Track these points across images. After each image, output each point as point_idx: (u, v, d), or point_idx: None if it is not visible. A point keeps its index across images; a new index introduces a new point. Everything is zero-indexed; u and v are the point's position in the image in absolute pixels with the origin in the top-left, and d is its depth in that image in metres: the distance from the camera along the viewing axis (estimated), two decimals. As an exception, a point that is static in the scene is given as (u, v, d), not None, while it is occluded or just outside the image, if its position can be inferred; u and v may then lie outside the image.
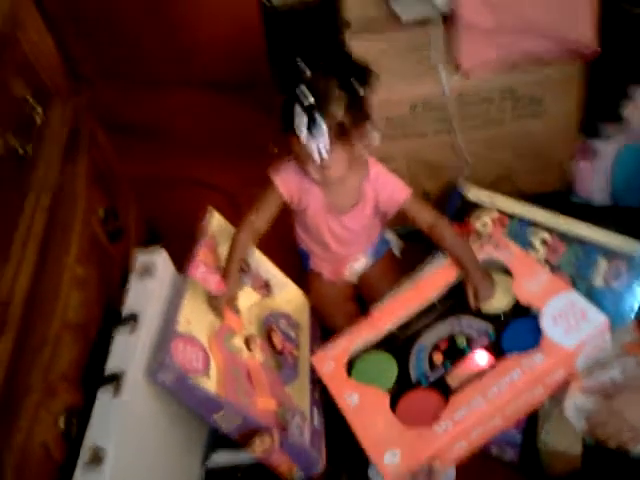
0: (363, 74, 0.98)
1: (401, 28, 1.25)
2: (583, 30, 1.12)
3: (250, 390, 0.96)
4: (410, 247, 1.26)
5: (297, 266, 1.26)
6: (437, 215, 1.07)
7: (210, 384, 0.88)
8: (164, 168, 1.50)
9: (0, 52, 0.76)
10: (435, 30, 1.19)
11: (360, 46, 1.23)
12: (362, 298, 1.24)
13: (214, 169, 1.50)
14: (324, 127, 0.92)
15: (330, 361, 1.02)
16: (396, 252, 1.24)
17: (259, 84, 1.42)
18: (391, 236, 1.26)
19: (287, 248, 1.26)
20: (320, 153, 0.95)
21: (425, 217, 1.07)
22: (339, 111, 0.95)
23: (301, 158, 1.00)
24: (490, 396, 0.87)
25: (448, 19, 1.19)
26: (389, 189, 1.08)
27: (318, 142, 0.93)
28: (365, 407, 0.93)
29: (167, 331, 0.90)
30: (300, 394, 1.04)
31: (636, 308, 1.05)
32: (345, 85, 0.95)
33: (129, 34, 1.57)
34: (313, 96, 0.92)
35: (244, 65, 1.61)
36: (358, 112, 0.98)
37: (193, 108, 1.61)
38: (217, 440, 1.01)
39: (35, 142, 0.82)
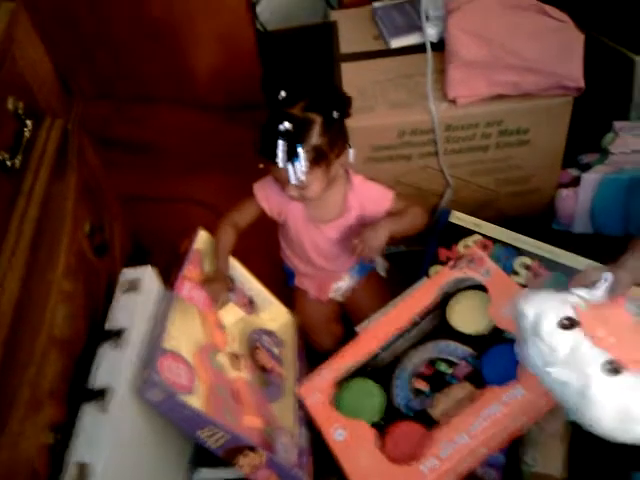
0: (338, 99, 1.01)
1: (393, 56, 1.28)
2: (573, 67, 1.15)
3: (235, 408, 0.96)
4: (396, 268, 1.28)
5: (283, 283, 1.27)
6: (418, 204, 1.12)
7: (196, 401, 0.88)
8: (153, 184, 1.50)
9: (-4, 67, 0.76)
10: (425, 59, 1.22)
11: (351, 73, 1.25)
12: (347, 317, 1.25)
13: (203, 186, 1.50)
14: (301, 153, 0.94)
15: (317, 392, 1.02)
16: (381, 272, 1.25)
17: (252, 105, 1.44)
18: (378, 258, 1.27)
19: (273, 264, 1.27)
20: (297, 177, 0.96)
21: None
22: (315, 136, 0.96)
23: (279, 180, 1.02)
24: (474, 431, 0.87)
25: (441, 46, 1.22)
26: (374, 196, 1.11)
27: (295, 167, 0.95)
28: (351, 443, 0.94)
29: (153, 348, 0.90)
30: (285, 412, 1.05)
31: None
32: (321, 110, 0.97)
33: (125, 53, 1.57)
34: (290, 122, 0.94)
35: (238, 87, 1.63)
36: (334, 134, 0.99)
37: (184, 126, 1.62)
38: (202, 456, 1.00)
39: (23, 155, 0.82)
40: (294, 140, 0.94)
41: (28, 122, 0.84)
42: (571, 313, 0.79)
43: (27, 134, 0.83)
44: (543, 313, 0.79)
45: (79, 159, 0.99)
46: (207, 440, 0.89)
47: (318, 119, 0.96)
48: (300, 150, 0.94)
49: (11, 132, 0.81)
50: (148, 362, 0.87)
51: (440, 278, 1.07)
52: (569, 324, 0.79)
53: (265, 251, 1.26)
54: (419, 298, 1.07)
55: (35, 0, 0.90)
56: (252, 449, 0.89)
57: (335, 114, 0.98)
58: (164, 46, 1.58)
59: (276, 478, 0.94)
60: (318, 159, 0.98)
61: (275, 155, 0.94)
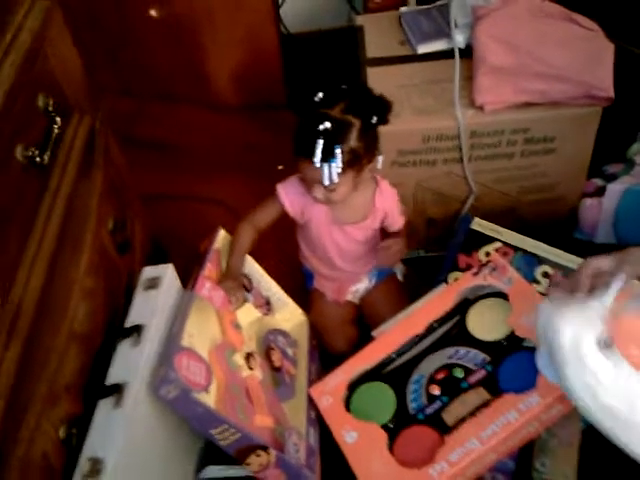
0: (378, 103, 1.00)
1: (419, 61, 1.27)
2: (602, 76, 1.14)
3: (248, 407, 0.96)
4: (415, 273, 1.27)
5: (300, 284, 1.27)
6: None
7: (210, 399, 0.88)
8: (173, 183, 1.51)
9: (29, 66, 0.77)
10: (453, 64, 1.21)
11: (377, 78, 1.25)
12: (363, 320, 1.25)
13: (223, 186, 1.51)
14: (338, 154, 0.94)
15: (328, 395, 1.02)
16: (399, 276, 1.24)
17: (274, 106, 1.44)
18: (398, 264, 1.27)
19: (290, 266, 1.27)
20: (331, 179, 0.96)
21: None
22: (353, 139, 0.97)
23: (307, 180, 1.02)
24: (485, 437, 0.87)
25: (468, 53, 1.22)
26: (396, 206, 1.14)
27: (330, 168, 0.95)
28: (363, 445, 0.93)
29: (171, 345, 0.90)
30: (296, 412, 1.05)
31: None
32: (360, 114, 0.97)
33: (147, 52, 1.59)
34: (330, 122, 0.94)
35: (260, 88, 1.64)
36: (370, 139, 1.00)
37: (205, 126, 1.63)
38: (211, 453, 1.00)
39: (52, 152, 0.83)
40: (333, 140, 0.94)
41: (57, 119, 0.84)
42: (605, 330, 0.78)
43: (56, 131, 0.84)
44: (581, 333, 0.77)
45: (105, 157, 0.99)
46: (219, 438, 0.89)
47: (357, 122, 0.97)
48: (338, 151, 0.94)
49: (41, 129, 0.81)
50: (165, 359, 0.88)
51: (460, 284, 1.07)
52: (607, 344, 0.77)
53: (282, 253, 1.26)
54: (439, 303, 1.06)
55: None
56: (264, 449, 0.90)
57: (374, 119, 0.98)
58: (186, 45, 1.59)
59: (285, 478, 0.94)
60: (352, 162, 0.98)
61: (313, 154, 0.94)
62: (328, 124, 0.94)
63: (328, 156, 0.94)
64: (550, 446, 0.94)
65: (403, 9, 1.42)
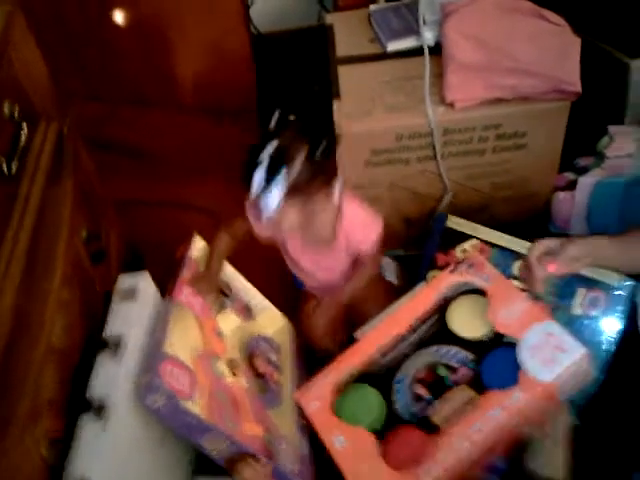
0: (325, 133, 0.99)
1: (389, 59, 1.27)
2: (569, 71, 1.15)
3: (236, 415, 0.95)
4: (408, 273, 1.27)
5: (291, 283, 1.27)
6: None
7: (197, 408, 0.87)
8: (148, 189, 1.49)
9: (-7, 71, 0.75)
10: (423, 62, 1.21)
11: (348, 76, 1.25)
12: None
13: (199, 191, 1.49)
14: (278, 184, 0.91)
15: (315, 400, 1.01)
16: (390, 277, 1.24)
17: (246, 109, 1.43)
18: (386, 260, 1.26)
19: (280, 266, 1.25)
20: (269, 210, 0.93)
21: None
22: (296, 168, 0.92)
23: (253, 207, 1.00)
24: (472, 435, 0.87)
25: (438, 50, 1.22)
26: (358, 235, 1.10)
27: (268, 198, 0.92)
28: (352, 450, 0.93)
29: (154, 353, 0.89)
30: (285, 419, 1.04)
31: (614, 336, 1.07)
32: (307, 143, 0.94)
33: (118, 55, 1.56)
34: (273, 150, 0.91)
35: (232, 91, 1.62)
36: (317, 168, 0.96)
37: (178, 130, 1.61)
38: (200, 465, 0.99)
39: (19, 161, 0.80)
40: (272, 171, 0.91)
41: (24, 126, 0.82)
42: None
43: (23, 138, 0.81)
44: None
45: (75, 163, 0.97)
46: (208, 447, 0.88)
47: (303, 153, 0.93)
48: (277, 181, 0.90)
49: (7, 137, 0.79)
50: (149, 367, 0.86)
51: (439, 283, 1.07)
52: None
53: (271, 251, 1.24)
54: (419, 303, 1.06)
55: (26, 0, 0.87)
56: (254, 457, 0.88)
57: (319, 151, 0.94)
58: (156, 48, 1.57)
59: None
60: (295, 192, 0.94)
61: (251, 183, 0.91)
62: (269, 152, 0.90)
63: (267, 187, 0.91)
64: (542, 446, 0.95)
65: (372, 7, 1.42)
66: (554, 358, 0.90)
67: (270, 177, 0.90)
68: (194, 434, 0.86)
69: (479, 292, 1.04)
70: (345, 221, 1.08)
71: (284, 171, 0.90)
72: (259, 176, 0.91)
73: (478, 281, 1.03)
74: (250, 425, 0.96)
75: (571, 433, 0.96)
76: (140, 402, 0.83)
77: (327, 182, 0.99)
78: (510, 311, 0.97)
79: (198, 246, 1.12)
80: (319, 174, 0.96)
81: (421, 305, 1.06)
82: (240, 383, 1.02)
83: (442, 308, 1.05)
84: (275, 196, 0.91)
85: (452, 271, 1.06)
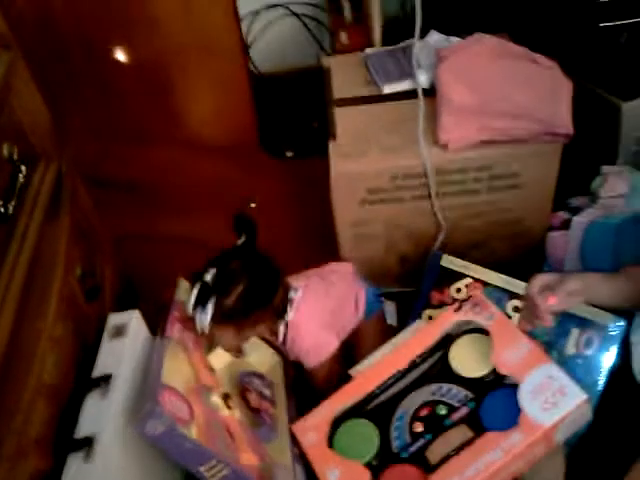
0: (270, 276, 1.05)
1: (385, 101, 1.30)
2: (561, 113, 1.18)
3: (232, 445, 0.95)
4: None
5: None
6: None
7: (195, 435, 0.87)
8: (145, 223, 1.51)
9: (-7, 115, 0.77)
10: (418, 104, 1.24)
11: (345, 118, 1.27)
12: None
13: (196, 225, 1.51)
14: (209, 308, 0.97)
15: (311, 432, 1.01)
16: (389, 320, 1.25)
17: (247, 146, 1.45)
18: (389, 306, 1.27)
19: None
20: (201, 326, 0.99)
21: None
22: (231, 299, 0.99)
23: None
24: (469, 476, 0.86)
25: (432, 92, 1.24)
26: (296, 353, 1.13)
27: (201, 317, 0.98)
28: None
29: (152, 384, 0.89)
30: (281, 452, 1.04)
31: (605, 375, 1.07)
32: (249, 280, 1.01)
33: (119, 94, 1.59)
34: (216, 277, 0.98)
35: (232, 128, 1.65)
36: (253, 303, 1.02)
37: (177, 166, 1.63)
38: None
39: (17, 201, 0.82)
40: (204, 296, 0.97)
41: (22, 167, 0.84)
42: None
43: (21, 179, 0.83)
44: None
45: (72, 201, 0.99)
46: (207, 475, 0.87)
47: (240, 287, 1.00)
48: (207, 306, 0.97)
49: (6, 178, 0.81)
50: (148, 396, 0.87)
51: (443, 320, 1.07)
52: None
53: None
54: (421, 339, 1.06)
55: (25, 36, 0.90)
56: None
57: (259, 290, 1.02)
58: (157, 87, 1.60)
59: None
60: (226, 319, 1.00)
61: (187, 300, 0.99)
62: (209, 277, 0.98)
63: (200, 305, 0.98)
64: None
65: (369, 50, 1.45)
66: (555, 402, 0.89)
67: (202, 300, 0.97)
68: (193, 461, 0.86)
69: (482, 331, 1.04)
70: (297, 338, 1.11)
71: (213, 300, 0.97)
72: (192, 296, 0.98)
73: (482, 320, 1.04)
74: (247, 455, 0.96)
75: (565, 473, 0.96)
76: (138, 430, 0.83)
77: (262, 320, 1.05)
78: (513, 352, 0.97)
79: (183, 289, 1.13)
80: (253, 312, 1.02)
81: (423, 341, 1.06)
82: (235, 416, 1.02)
83: (444, 345, 1.05)
84: (204, 318, 0.98)
85: (457, 310, 1.07)
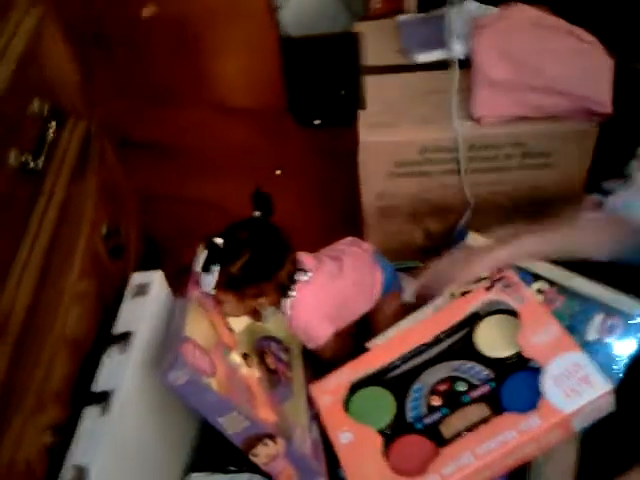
0: (277, 250, 1.06)
1: (417, 71, 1.27)
2: (600, 91, 1.14)
3: (251, 401, 0.96)
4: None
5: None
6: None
7: (217, 387, 0.88)
8: (170, 185, 1.52)
9: (23, 70, 0.77)
10: (451, 75, 1.21)
11: (376, 86, 1.25)
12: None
13: (221, 189, 1.51)
14: (213, 274, 0.99)
15: (328, 394, 1.01)
16: (406, 297, 1.24)
17: (274, 110, 1.44)
18: (407, 282, 1.26)
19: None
20: (205, 288, 1.01)
21: None
22: (234, 267, 1.00)
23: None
24: (481, 453, 0.86)
25: (466, 63, 1.21)
26: (302, 335, 1.14)
27: (205, 279, 1.00)
28: (357, 447, 0.93)
29: (175, 337, 0.91)
30: (297, 412, 1.05)
31: (625, 363, 1.05)
32: (254, 252, 1.02)
33: (147, 54, 1.59)
34: (224, 244, 1.00)
35: (259, 91, 1.63)
36: (256, 276, 1.03)
37: (205, 129, 1.63)
38: (196, 461, 1.01)
39: (46, 157, 0.83)
40: (210, 262, 0.99)
41: (52, 124, 0.84)
42: None
43: (51, 136, 0.84)
44: None
45: (100, 161, 0.99)
46: (227, 427, 0.88)
47: (244, 258, 1.01)
48: (212, 271, 0.99)
49: (35, 134, 0.81)
50: (170, 348, 0.88)
51: (472, 298, 1.05)
52: None
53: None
54: (449, 315, 1.05)
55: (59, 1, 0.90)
56: (271, 438, 0.89)
57: (264, 267, 1.03)
58: (186, 48, 1.59)
59: (292, 469, 0.93)
60: (229, 286, 1.01)
61: (196, 260, 1.00)
62: (219, 242, 1.00)
63: (207, 268, 0.99)
64: (545, 471, 0.93)
65: (402, 17, 1.41)
66: (578, 390, 0.88)
67: (207, 265, 0.99)
68: (214, 412, 0.87)
69: (510, 312, 1.02)
70: (293, 320, 1.12)
71: (218, 266, 0.99)
72: (201, 258, 1.00)
73: (512, 302, 1.02)
74: (265, 411, 0.97)
75: (578, 462, 0.95)
76: (162, 380, 0.84)
77: (264, 293, 1.05)
78: (540, 336, 0.95)
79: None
80: (256, 284, 1.04)
81: (450, 318, 1.04)
82: (255, 374, 1.04)
83: (470, 323, 1.04)
84: (210, 281, 1.00)
85: (488, 288, 1.05)
